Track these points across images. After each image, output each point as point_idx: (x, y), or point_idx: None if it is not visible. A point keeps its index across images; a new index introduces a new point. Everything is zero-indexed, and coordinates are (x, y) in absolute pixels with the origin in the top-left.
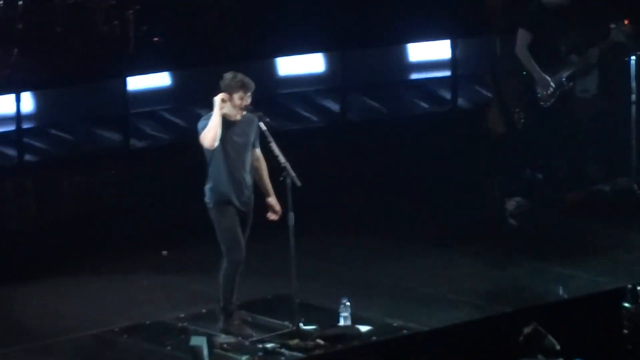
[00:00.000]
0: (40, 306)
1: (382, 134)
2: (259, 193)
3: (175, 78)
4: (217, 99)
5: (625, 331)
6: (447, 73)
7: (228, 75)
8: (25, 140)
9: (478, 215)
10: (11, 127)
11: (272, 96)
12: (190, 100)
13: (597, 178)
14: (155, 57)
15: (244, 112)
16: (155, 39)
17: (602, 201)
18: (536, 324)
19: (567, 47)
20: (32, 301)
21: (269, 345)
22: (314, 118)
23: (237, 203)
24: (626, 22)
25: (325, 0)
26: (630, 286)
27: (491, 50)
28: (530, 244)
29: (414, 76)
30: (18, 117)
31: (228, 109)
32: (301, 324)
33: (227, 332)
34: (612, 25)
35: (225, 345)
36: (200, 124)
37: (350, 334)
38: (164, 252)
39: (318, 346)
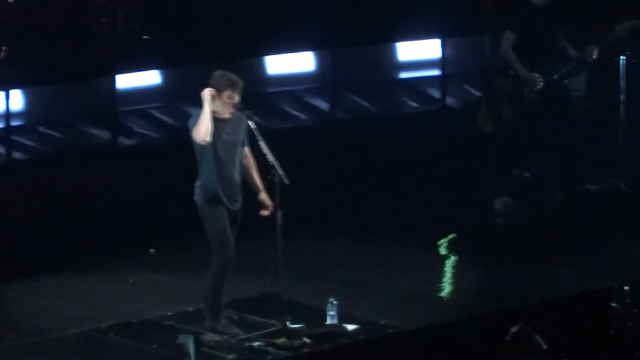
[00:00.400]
0: (27, 304)
1: (371, 132)
2: (248, 191)
3: (165, 76)
4: (206, 94)
5: (613, 331)
6: (437, 72)
7: (217, 73)
8: (14, 138)
9: (466, 214)
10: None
11: (261, 94)
12: (180, 98)
13: (585, 177)
14: (145, 55)
15: (233, 110)
16: (145, 37)
17: (590, 200)
18: (523, 324)
19: (559, 44)
20: (19, 299)
21: (256, 344)
22: (303, 116)
23: (226, 201)
24: (629, 20)
25: None
26: (617, 286)
27: (480, 49)
28: (517, 243)
29: (404, 75)
30: (7, 115)
31: (217, 106)
32: (288, 323)
33: (214, 330)
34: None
35: (212, 344)
36: (190, 122)
37: (337, 332)
38: (152, 250)
39: (305, 345)
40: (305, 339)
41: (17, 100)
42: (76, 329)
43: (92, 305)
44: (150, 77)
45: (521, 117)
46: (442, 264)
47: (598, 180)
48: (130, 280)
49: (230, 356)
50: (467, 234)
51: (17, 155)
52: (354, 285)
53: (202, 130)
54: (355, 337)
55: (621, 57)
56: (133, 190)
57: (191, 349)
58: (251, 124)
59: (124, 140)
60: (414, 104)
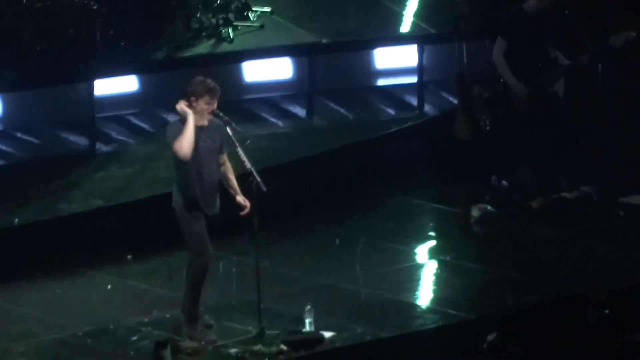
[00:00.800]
0: (2, 310)
1: (348, 139)
2: (226, 197)
3: (141, 82)
4: (185, 109)
5: (588, 337)
6: (414, 79)
7: (195, 80)
8: None
9: (443, 222)
10: None
11: (238, 101)
12: (157, 104)
13: (562, 185)
14: (122, 60)
15: (211, 117)
16: (122, 42)
17: (566, 208)
18: (500, 331)
19: (549, 53)
20: None
21: (233, 351)
22: (280, 123)
23: (204, 207)
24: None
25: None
26: (592, 293)
27: (458, 56)
28: (494, 250)
29: (381, 82)
30: None
31: (195, 113)
32: (265, 330)
33: (190, 337)
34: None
35: (188, 351)
36: (169, 131)
37: (313, 339)
38: (129, 257)
39: (281, 352)
40: (282, 346)
41: None
42: (53, 335)
43: (69, 312)
44: (127, 84)
45: (499, 125)
46: (420, 271)
47: (574, 188)
48: (109, 287)
49: None
50: (444, 242)
51: None
52: (330, 292)
53: (186, 146)
54: (332, 344)
55: (599, 65)
56: (109, 196)
57: (167, 356)
58: (229, 130)
59: (101, 147)
60: (391, 111)
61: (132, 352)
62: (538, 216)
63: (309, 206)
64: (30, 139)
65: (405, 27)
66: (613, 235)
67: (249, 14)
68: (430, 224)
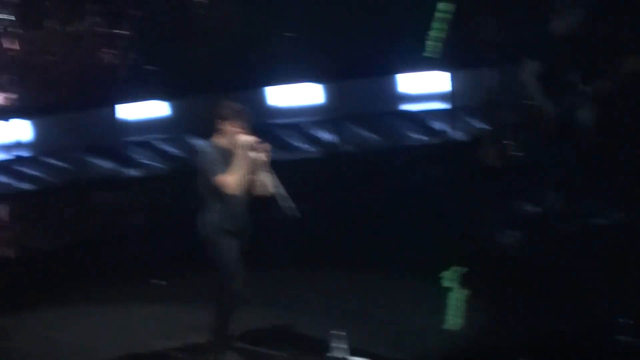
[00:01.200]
0: (33, 335)
1: (377, 164)
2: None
3: (171, 107)
4: (246, 142)
5: None
6: (443, 105)
7: (224, 104)
8: (19, 168)
9: (472, 248)
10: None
11: (265, 126)
12: (185, 129)
13: (594, 212)
14: (149, 85)
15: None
16: (147, 66)
17: (598, 235)
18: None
19: (577, 75)
20: (25, 330)
21: None
22: (309, 148)
23: (233, 232)
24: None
25: (321, 31)
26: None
27: (485, 82)
28: (525, 278)
29: (409, 107)
30: (15, 145)
31: (225, 138)
32: (299, 356)
33: None
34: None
35: None
36: (202, 156)
37: None
38: (160, 282)
39: None
40: None
41: (21, 130)
42: None
43: (99, 337)
44: (156, 109)
45: (530, 150)
46: (447, 297)
47: (606, 214)
48: (139, 312)
49: None
50: (472, 268)
51: (22, 185)
52: (365, 318)
53: (235, 182)
54: None
55: None
56: (137, 221)
57: None
58: (258, 154)
59: (129, 171)
60: (419, 136)
61: None
62: (569, 242)
63: (337, 231)
64: (59, 163)
65: (432, 52)
66: None
67: None
68: (460, 250)
